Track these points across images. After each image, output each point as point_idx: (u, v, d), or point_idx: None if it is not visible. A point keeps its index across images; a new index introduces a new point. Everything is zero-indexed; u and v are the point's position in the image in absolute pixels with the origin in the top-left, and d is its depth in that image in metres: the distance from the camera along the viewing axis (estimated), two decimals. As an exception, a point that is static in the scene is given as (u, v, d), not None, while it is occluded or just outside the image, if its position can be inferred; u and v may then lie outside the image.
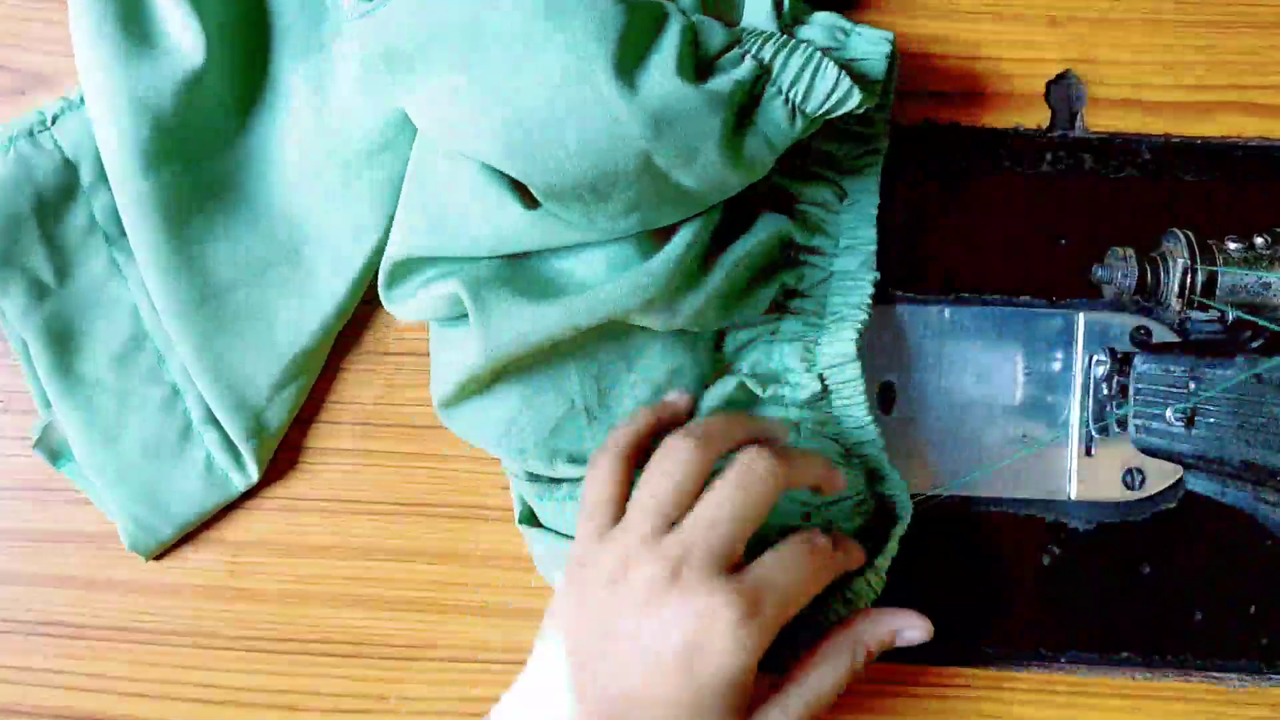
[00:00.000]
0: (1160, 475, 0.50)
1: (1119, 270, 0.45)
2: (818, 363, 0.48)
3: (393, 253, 0.45)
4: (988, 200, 0.51)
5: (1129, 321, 0.51)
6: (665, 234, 0.45)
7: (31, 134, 0.47)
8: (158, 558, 0.51)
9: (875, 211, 0.48)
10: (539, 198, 0.41)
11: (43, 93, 0.51)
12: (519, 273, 0.45)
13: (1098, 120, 0.51)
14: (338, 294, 0.49)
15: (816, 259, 0.48)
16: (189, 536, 0.51)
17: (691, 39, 0.40)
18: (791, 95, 0.41)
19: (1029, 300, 0.51)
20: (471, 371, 0.44)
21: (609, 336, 0.47)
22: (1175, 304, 0.44)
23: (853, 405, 0.48)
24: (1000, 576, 0.51)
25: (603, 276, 0.44)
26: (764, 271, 0.48)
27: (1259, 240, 0.44)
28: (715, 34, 0.40)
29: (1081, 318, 0.51)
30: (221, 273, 0.48)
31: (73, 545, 0.51)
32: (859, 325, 0.47)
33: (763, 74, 0.40)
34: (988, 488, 0.51)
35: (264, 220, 0.48)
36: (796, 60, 0.40)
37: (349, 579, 0.51)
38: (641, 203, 0.41)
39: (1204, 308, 0.44)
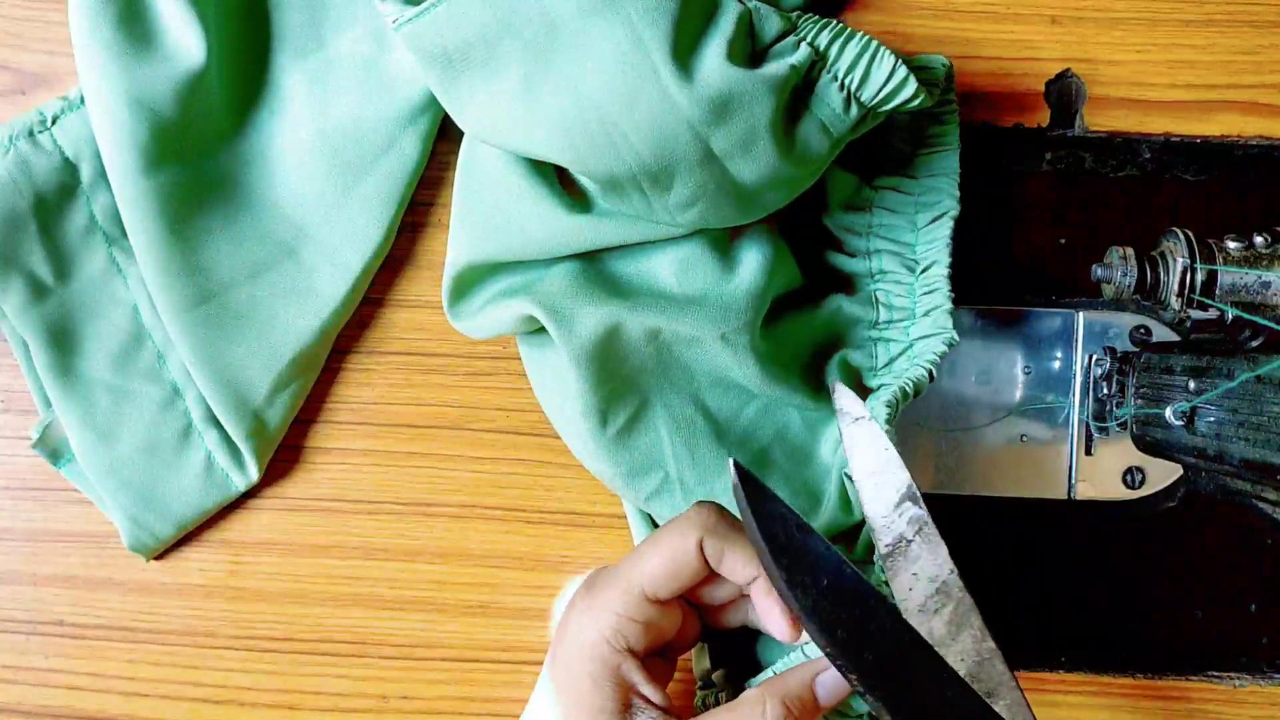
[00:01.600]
0: (1160, 475, 0.50)
1: (1119, 270, 0.45)
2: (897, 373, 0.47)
3: (453, 264, 0.46)
4: (987, 199, 0.51)
5: (1129, 321, 0.51)
6: (734, 235, 0.45)
7: (31, 134, 0.47)
8: (158, 558, 0.51)
9: (949, 274, 0.47)
10: (598, 191, 0.41)
11: (43, 93, 0.51)
12: (589, 279, 0.45)
13: (1098, 120, 0.51)
14: (338, 294, 0.49)
15: (893, 335, 0.48)
16: (189, 536, 0.51)
17: (747, 24, 0.40)
18: (847, 82, 0.41)
19: (1029, 300, 0.51)
20: (575, 385, 0.45)
21: (698, 401, 0.47)
22: (1175, 303, 0.44)
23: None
24: (1000, 576, 0.51)
25: (671, 278, 0.44)
26: (830, 346, 0.48)
27: (1259, 239, 0.44)
28: (771, 20, 0.40)
29: (1081, 317, 0.51)
30: (221, 272, 0.48)
31: (73, 545, 0.51)
32: (913, 380, 0.45)
33: (818, 60, 0.40)
34: (987, 487, 0.51)
35: (264, 220, 0.48)
36: (853, 48, 0.40)
37: (349, 579, 0.51)
38: (702, 196, 0.41)
39: (1204, 307, 0.44)
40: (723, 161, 0.40)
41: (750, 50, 0.40)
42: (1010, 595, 0.51)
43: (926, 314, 0.47)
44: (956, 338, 0.46)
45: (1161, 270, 0.45)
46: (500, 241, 0.45)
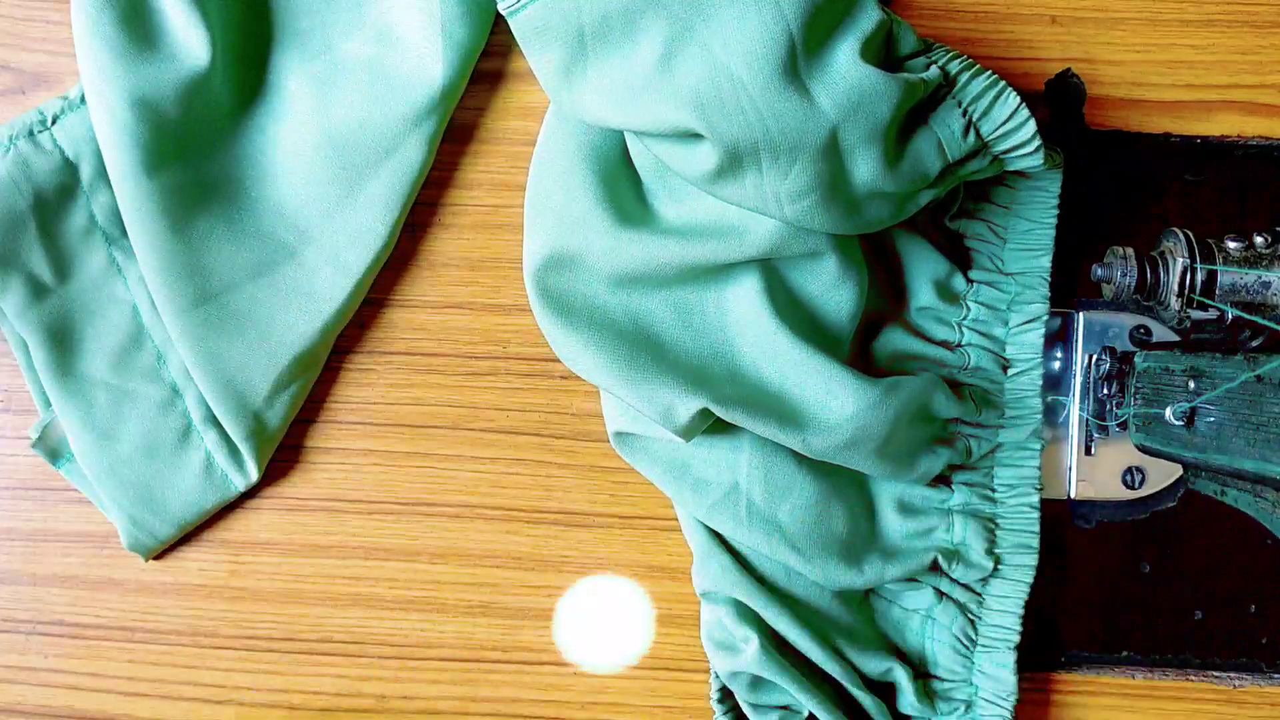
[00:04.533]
0: (1160, 474, 0.50)
1: (1119, 269, 0.45)
2: (1000, 545, 0.48)
3: (531, 257, 0.46)
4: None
5: (1129, 321, 0.51)
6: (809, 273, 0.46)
7: (31, 134, 0.47)
8: (157, 558, 0.51)
9: (1041, 382, 0.48)
10: (718, 160, 0.41)
11: (43, 93, 0.51)
12: (676, 308, 0.46)
13: (1097, 119, 0.51)
14: (339, 296, 0.49)
15: (983, 432, 0.48)
16: (189, 536, 0.51)
17: (885, 32, 0.41)
18: (970, 110, 0.42)
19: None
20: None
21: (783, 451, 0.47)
22: (1175, 303, 0.44)
23: (1013, 600, 0.48)
24: (1000, 576, 0.51)
25: (757, 307, 0.45)
26: (922, 436, 0.47)
27: (1258, 239, 0.44)
28: (908, 38, 0.42)
29: (1081, 317, 0.51)
30: (222, 273, 0.48)
31: (73, 545, 0.51)
32: (1036, 506, 0.48)
33: (946, 84, 0.42)
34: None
35: (266, 222, 0.48)
36: (981, 82, 0.42)
37: (349, 579, 0.51)
38: (817, 188, 0.41)
39: (1204, 307, 0.44)
40: (843, 155, 0.41)
41: (884, 58, 0.41)
42: (1010, 595, 0.51)
43: (1017, 419, 0.48)
44: (1045, 442, 0.48)
45: (1161, 270, 0.45)
46: (569, 246, 0.45)
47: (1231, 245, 0.44)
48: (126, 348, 0.49)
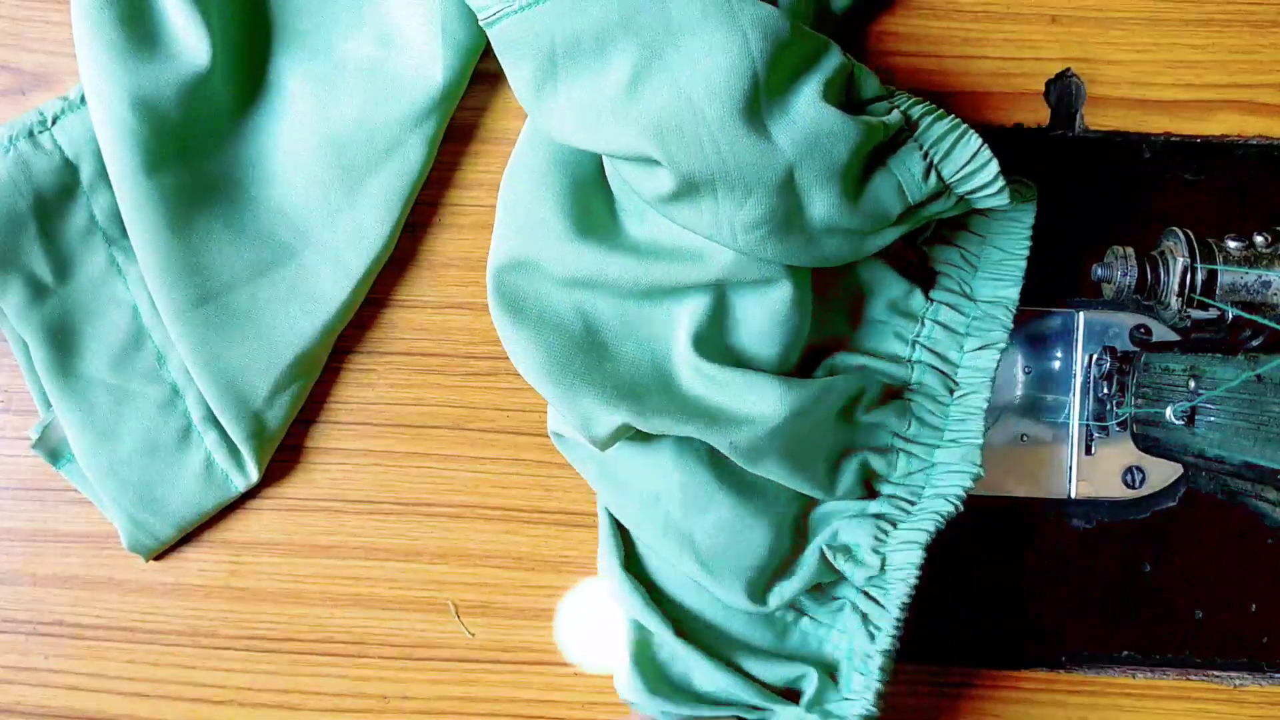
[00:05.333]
0: (1160, 474, 0.50)
1: (1119, 269, 0.45)
2: (887, 543, 0.47)
3: (494, 258, 0.46)
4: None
5: (1129, 320, 0.51)
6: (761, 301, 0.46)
7: (31, 134, 0.47)
8: (158, 558, 0.51)
9: (986, 406, 0.47)
10: (674, 185, 0.41)
11: (43, 93, 0.51)
12: (626, 314, 0.46)
13: (1097, 119, 0.51)
14: (339, 296, 0.49)
15: (917, 450, 0.48)
16: (189, 536, 0.51)
17: (847, 75, 0.42)
18: (931, 153, 0.42)
19: (1029, 300, 0.51)
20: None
21: (708, 461, 0.47)
22: (1175, 303, 0.44)
23: (895, 595, 0.46)
24: (1001, 576, 0.51)
25: (703, 332, 0.45)
26: (843, 440, 0.47)
27: (1259, 239, 0.44)
28: (870, 82, 0.43)
29: (1081, 317, 0.51)
30: (222, 274, 0.48)
31: (73, 545, 0.51)
32: (942, 515, 0.46)
33: (907, 128, 0.42)
34: (988, 487, 0.51)
35: (266, 222, 0.48)
36: (942, 126, 0.42)
37: (349, 579, 0.51)
38: (771, 220, 0.41)
39: (1204, 306, 0.44)
40: (799, 192, 0.41)
41: (845, 101, 0.42)
42: (1010, 595, 0.51)
43: (955, 441, 0.47)
44: (984, 473, 0.47)
45: (1161, 270, 0.45)
46: (532, 252, 0.45)
47: (1231, 245, 0.44)
48: (126, 348, 0.49)
